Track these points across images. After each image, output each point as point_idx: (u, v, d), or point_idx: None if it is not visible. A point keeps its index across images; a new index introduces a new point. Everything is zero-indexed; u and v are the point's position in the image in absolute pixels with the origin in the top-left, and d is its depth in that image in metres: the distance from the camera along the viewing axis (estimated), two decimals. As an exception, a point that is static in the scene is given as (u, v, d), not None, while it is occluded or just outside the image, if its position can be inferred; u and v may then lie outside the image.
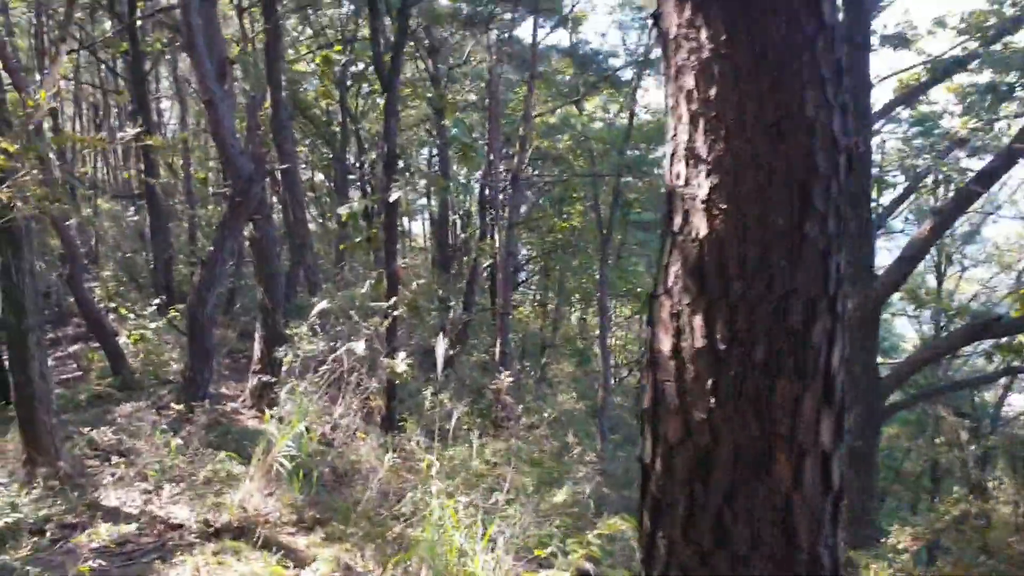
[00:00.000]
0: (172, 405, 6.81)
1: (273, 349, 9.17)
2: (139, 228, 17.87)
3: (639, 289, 19.95)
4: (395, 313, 8.45)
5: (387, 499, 6.00)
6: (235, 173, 8.02)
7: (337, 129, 17.72)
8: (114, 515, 5.27)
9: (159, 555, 4.68)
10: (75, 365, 11.82)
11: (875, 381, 5.02)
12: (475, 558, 3.90)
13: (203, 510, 5.13)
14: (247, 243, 10.98)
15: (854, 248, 5.28)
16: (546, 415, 12.07)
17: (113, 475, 5.59)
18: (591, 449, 12.15)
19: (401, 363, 8.31)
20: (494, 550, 4.06)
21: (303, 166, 19.54)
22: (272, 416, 5.72)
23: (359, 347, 8.53)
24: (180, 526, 5.03)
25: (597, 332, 21.72)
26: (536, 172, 17.19)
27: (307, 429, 5.83)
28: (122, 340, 11.20)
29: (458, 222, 19.99)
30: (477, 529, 4.21)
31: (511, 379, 9.73)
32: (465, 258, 19.57)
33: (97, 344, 11.08)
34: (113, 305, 12.17)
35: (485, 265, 17.83)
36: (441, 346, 6.86)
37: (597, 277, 16.49)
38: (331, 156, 18.15)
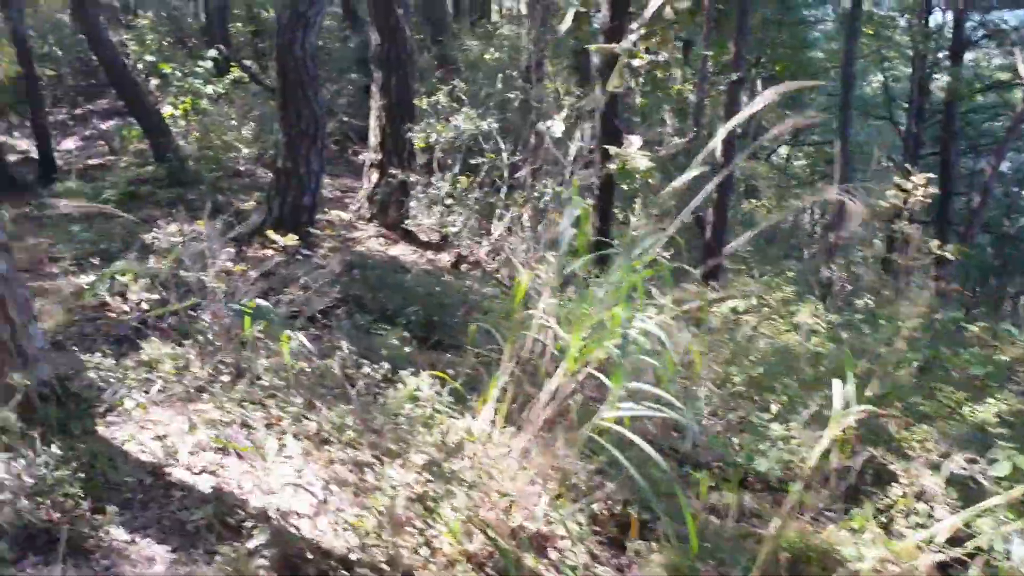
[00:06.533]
0: (263, 238, 3.40)
1: (402, 126, 5.77)
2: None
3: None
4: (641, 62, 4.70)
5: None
6: None
7: None
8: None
9: None
10: (106, 147, 8.59)
11: None
12: None
13: (384, 542, 1.93)
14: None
15: None
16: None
17: (146, 393, 2.38)
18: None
19: (636, 151, 4.79)
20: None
21: None
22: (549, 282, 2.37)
23: (557, 128, 5.17)
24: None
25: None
26: None
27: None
28: (167, 111, 7.85)
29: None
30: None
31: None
32: None
33: (135, 120, 7.76)
34: (151, 59, 8.62)
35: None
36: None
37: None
38: None
